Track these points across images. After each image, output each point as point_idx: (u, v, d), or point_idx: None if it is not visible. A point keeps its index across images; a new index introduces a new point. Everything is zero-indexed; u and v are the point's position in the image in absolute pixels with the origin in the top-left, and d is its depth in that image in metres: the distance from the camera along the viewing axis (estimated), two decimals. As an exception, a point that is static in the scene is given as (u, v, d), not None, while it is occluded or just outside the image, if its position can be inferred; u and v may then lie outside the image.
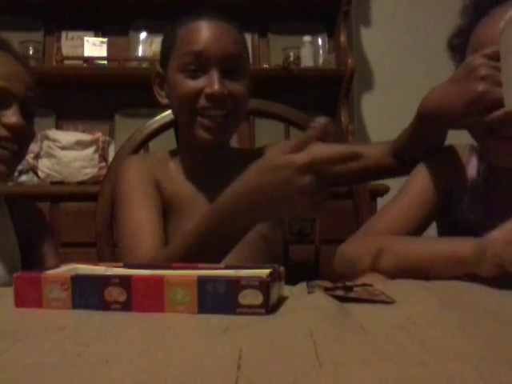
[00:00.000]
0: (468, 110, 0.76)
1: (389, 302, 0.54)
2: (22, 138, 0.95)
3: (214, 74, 0.90)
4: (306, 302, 0.52)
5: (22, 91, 0.94)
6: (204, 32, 0.92)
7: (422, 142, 0.91)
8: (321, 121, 0.62)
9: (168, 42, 0.97)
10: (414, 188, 0.89)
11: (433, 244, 0.77)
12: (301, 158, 0.66)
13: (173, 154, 1.03)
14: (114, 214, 1.04)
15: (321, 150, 0.66)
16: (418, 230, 0.86)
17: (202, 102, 0.91)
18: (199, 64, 0.91)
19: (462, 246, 0.69)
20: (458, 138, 0.90)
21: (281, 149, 0.69)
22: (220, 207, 0.75)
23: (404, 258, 0.76)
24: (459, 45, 0.86)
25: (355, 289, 0.59)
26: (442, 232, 0.94)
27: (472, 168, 0.89)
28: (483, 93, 0.74)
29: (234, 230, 0.75)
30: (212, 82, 0.90)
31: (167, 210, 0.96)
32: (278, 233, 1.05)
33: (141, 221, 0.89)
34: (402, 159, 0.95)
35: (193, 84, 0.91)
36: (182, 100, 0.93)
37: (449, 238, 0.78)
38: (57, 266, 0.61)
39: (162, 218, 0.93)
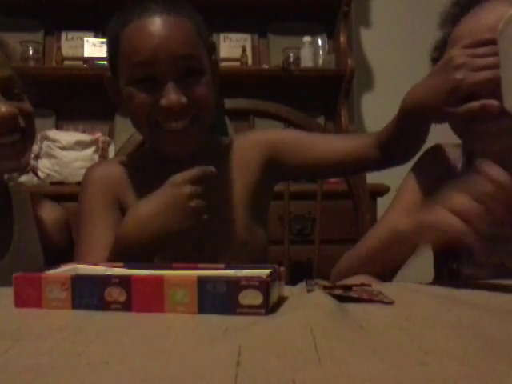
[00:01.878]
0: (448, 100, 0.76)
1: (387, 302, 0.54)
2: (17, 124, 0.86)
3: (169, 84, 0.81)
4: (305, 301, 0.52)
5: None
6: (147, 35, 0.81)
7: (406, 136, 0.90)
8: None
9: (112, 47, 0.88)
10: (403, 199, 0.88)
11: (375, 233, 0.83)
12: (178, 176, 0.77)
13: (139, 159, 0.98)
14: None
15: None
16: None
17: (161, 115, 0.83)
18: (148, 74, 0.82)
19: (398, 224, 0.74)
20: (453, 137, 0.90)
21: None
22: (122, 240, 0.79)
23: (362, 255, 0.82)
24: (439, 57, 0.86)
25: (354, 288, 0.59)
26: None
27: (461, 170, 0.88)
28: (461, 79, 0.73)
29: (144, 250, 0.78)
30: (167, 94, 0.81)
31: None
32: (259, 236, 0.97)
33: (96, 234, 0.88)
34: (388, 151, 0.93)
35: (146, 97, 0.83)
36: (137, 114, 0.85)
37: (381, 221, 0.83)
38: (57, 266, 0.61)
39: None
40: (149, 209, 0.78)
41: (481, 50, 0.74)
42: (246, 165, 0.95)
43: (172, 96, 0.81)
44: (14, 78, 0.88)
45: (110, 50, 0.90)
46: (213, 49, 0.93)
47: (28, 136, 0.90)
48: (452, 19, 0.85)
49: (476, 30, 0.77)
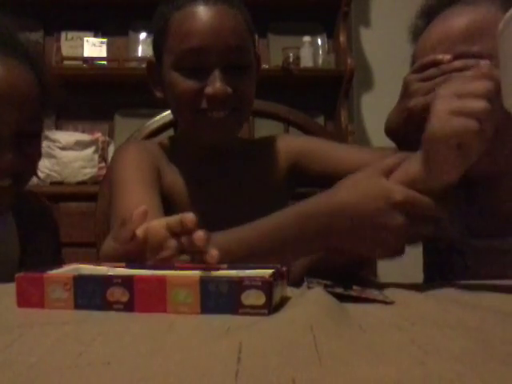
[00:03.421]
0: (407, 128, 0.77)
1: (387, 302, 0.54)
2: (14, 172, 0.83)
3: (215, 73, 0.81)
4: (305, 298, 0.52)
5: (14, 121, 0.81)
6: (200, 22, 0.81)
7: None
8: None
9: (159, 31, 0.86)
10: None
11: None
12: (400, 193, 0.58)
13: (173, 141, 0.96)
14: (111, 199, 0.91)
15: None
16: None
17: (204, 103, 0.83)
18: (197, 61, 0.82)
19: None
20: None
21: (376, 171, 0.61)
22: (288, 222, 0.65)
23: None
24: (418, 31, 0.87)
25: (354, 287, 0.59)
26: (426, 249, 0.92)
27: None
28: (412, 107, 0.74)
29: (289, 254, 0.68)
30: (213, 82, 0.81)
31: (164, 199, 0.86)
32: None
33: (141, 203, 0.76)
34: None
35: (191, 84, 0.82)
36: (180, 100, 0.85)
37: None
38: (59, 266, 0.61)
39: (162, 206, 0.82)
40: None
41: (428, 73, 0.74)
42: (271, 167, 0.96)
43: (218, 85, 0.81)
44: (36, 117, 0.85)
45: (156, 32, 0.88)
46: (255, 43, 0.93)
47: (23, 180, 0.87)
48: (417, 33, 0.86)
49: (432, 44, 0.78)
